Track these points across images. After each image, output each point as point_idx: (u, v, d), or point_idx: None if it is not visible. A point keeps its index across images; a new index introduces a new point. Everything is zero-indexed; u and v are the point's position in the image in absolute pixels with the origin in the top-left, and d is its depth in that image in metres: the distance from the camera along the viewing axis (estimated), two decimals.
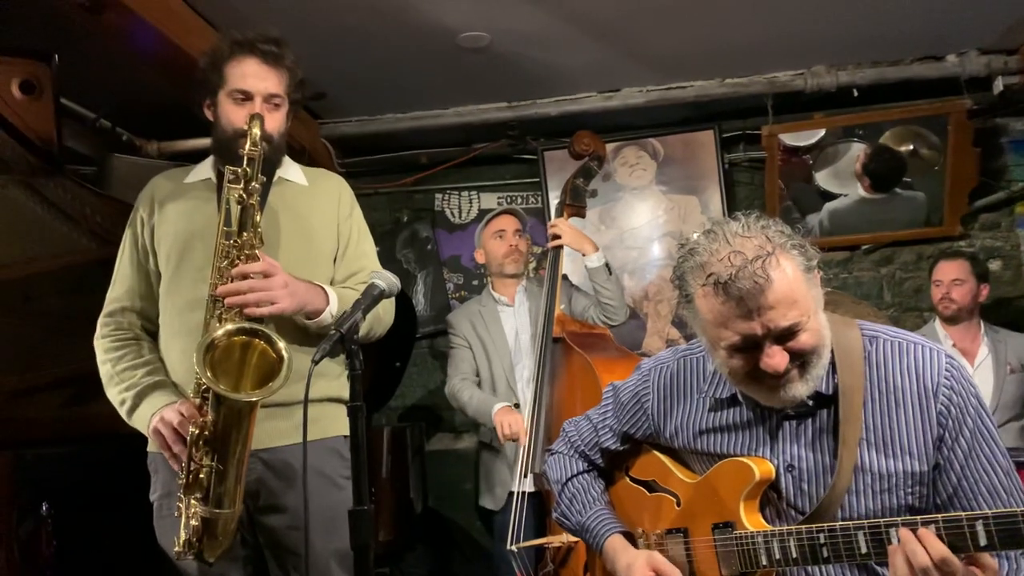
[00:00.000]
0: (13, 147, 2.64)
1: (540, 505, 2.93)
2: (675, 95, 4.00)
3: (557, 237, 3.11)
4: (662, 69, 3.85)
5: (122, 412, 1.98)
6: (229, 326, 1.80)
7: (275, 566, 2.03)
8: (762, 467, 1.54)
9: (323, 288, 2.01)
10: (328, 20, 3.22)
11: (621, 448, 1.83)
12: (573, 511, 1.84)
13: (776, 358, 1.42)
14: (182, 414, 1.85)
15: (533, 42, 3.47)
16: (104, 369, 2.04)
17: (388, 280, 1.69)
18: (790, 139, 4.16)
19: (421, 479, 3.85)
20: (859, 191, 4.14)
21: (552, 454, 1.96)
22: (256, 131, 1.88)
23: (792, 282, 1.40)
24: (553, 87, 4.00)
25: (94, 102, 3.53)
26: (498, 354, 3.25)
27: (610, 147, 4.39)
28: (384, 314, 2.15)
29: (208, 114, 2.10)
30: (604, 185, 4.42)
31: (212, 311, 1.87)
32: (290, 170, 2.17)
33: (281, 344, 1.78)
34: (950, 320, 3.50)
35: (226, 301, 1.83)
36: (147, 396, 1.95)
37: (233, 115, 2.00)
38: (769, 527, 1.53)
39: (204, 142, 4.01)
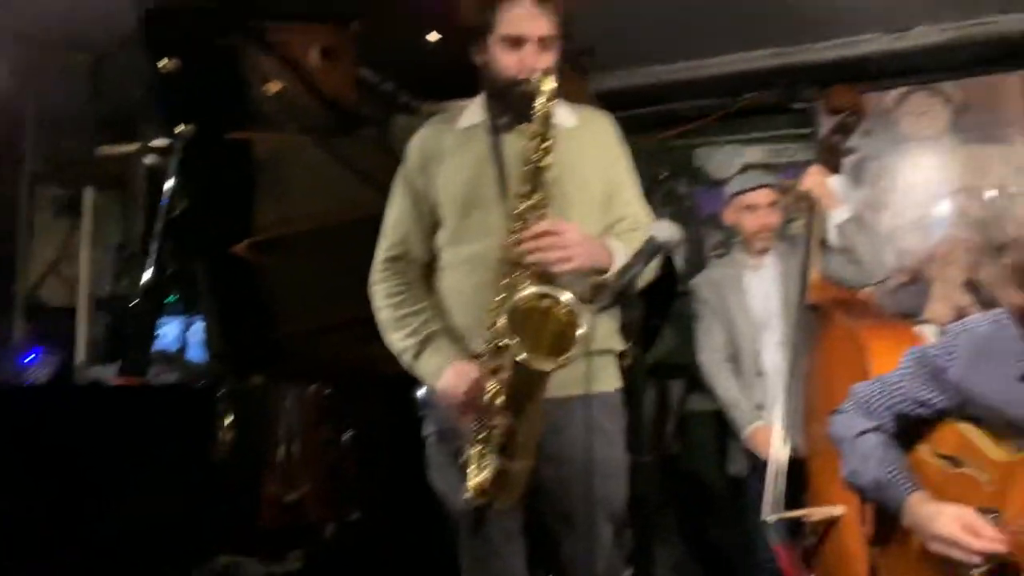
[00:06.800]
0: (314, 110, 2.92)
1: (797, 473, 2.79)
2: (979, 31, 3.53)
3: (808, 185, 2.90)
4: (964, 2, 3.42)
5: (404, 358, 2.03)
6: (532, 289, 1.78)
7: (542, 515, 2.04)
8: None
9: (605, 244, 1.98)
10: None
11: (919, 415, 1.68)
12: (869, 466, 1.71)
13: None
14: (474, 378, 1.87)
15: None
16: (384, 314, 2.07)
17: (668, 231, 1.64)
18: None
19: (680, 439, 3.81)
20: None
21: (839, 413, 1.84)
22: (548, 87, 1.84)
23: None
24: (834, 29, 3.69)
25: (378, 65, 3.77)
26: (742, 320, 3.11)
27: (894, 94, 4.02)
28: None
29: (478, 59, 2.03)
30: (886, 136, 4.04)
31: (506, 272, 1.87)
32: (559, 112, 2.04)
33: (579, 313, 1.74)
34: None
35: (528, 258, 1.83)
36: (430, 345, 1.99)
37: (506, 61, 1.94)
38: None
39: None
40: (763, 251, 3.14)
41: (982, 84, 3.86)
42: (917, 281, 3.98)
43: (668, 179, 4.63)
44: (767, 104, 4.28)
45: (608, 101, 4.35)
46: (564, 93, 2.15)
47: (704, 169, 4.57)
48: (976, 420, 1.61)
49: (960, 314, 2.98)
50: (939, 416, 1.67)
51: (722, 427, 3.24)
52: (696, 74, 4.09)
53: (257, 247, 3.00)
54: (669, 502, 4.04)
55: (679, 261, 4.55)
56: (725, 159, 4.51)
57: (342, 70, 2.83)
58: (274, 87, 2.77)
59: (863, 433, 1.75)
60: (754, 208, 3.13)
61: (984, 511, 1.51)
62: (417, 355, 2.00)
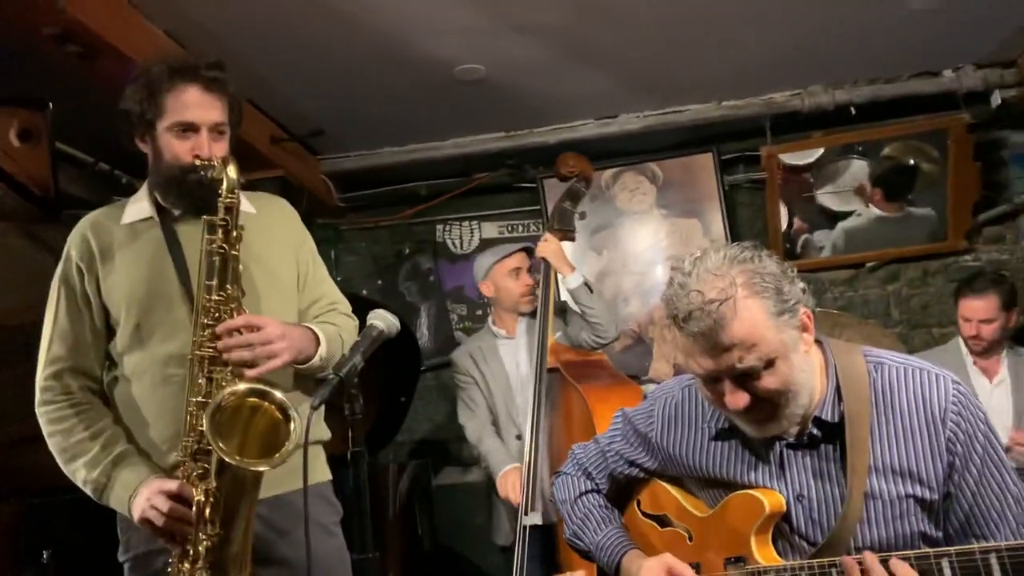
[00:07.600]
0: (12, 196, 2.66)
1: (548, 538, 2.89)
2: (672, 119, 4.01)
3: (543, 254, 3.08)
4: (659, 94, 3.86)
5: (88, 491, 1.83)
6: (240, 387, 1.68)
7: None
8: (772, 499, 1.52)
9: (311, 329, 1.92)
10: (325, 57, 3.24)
11: (629, 475, 1.80)
12: (587, 530, 1.79)
13: (734, 396, 1.44)
14: (173, 496, 1.71)
15: (528, 72, 3.48)
16: (54, 442, 1.85)
17: (386, 320, 1.65)
18: (790, 158, 4.15)
19: (430, 516, 3.80)
20: (873, 210, 4.11)
21: (560, 475, 1.92)
22: (233, 175, 1.76)
23: (753, 326, 1.39)
24: (550, 116, 4.01)
25: (94, 147, 3.54)
26: (499, 388, 3.22)
27: (609, 173, 4.40)
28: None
29: (143, 147, 1.92)
30: (606, 210, 4.42)
31: (200, 370, 1.74)
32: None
33: (291, 408, 1.66)
34: (980, 355, 3.40)
35: (229, 359, 1.73)
36: (118, 470, 1.80)
37: (178, 149, 1.84)
38: (781, 561, 1.50)
39: None
40: (530, 313, 3.26)
41: (679, 164, 4.34)
42: (640, 342, 4.33)
43: (411, 255, 4.71)
44: (498, 183, 4.52)
45: (345, 181, 4.43)
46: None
47: (446, 244, 4.70)
48: (679, 480, 1.74)
49: (679, 371, 3.26)
50: (648, 476, 1.79)
51: (489, 498, 3.30)
52: (431, 155, 4.23)
53: None
54: None
55: (425, 335, 4.62)
56: (464, 235, 4.68)
57: (41, 153, 2.60)
58: None
59: (582, 495, 1.84)
60: (518, 271, 3.25)
61: (691, 566, 1.63)
62: (104, 488, 1.81)
